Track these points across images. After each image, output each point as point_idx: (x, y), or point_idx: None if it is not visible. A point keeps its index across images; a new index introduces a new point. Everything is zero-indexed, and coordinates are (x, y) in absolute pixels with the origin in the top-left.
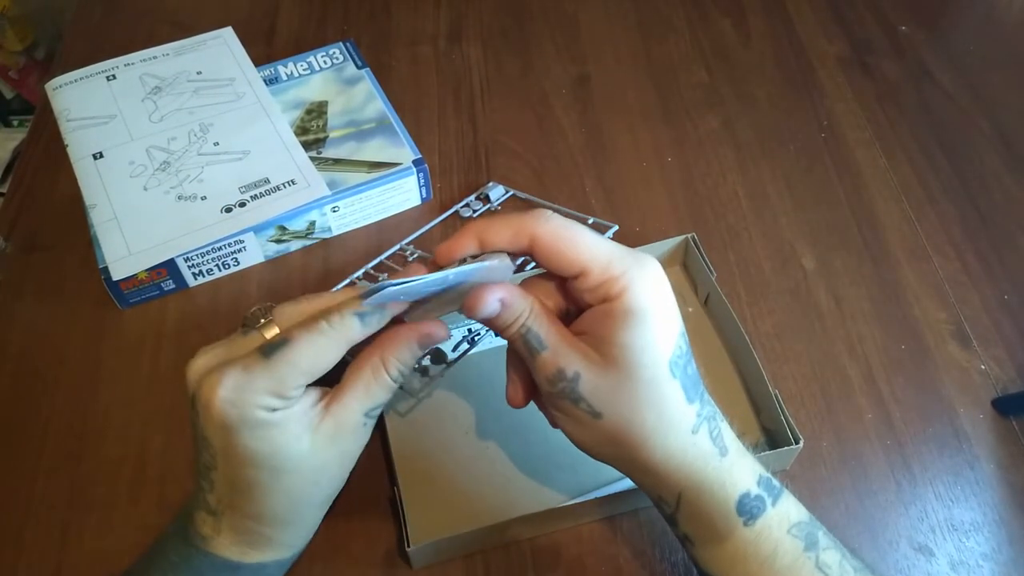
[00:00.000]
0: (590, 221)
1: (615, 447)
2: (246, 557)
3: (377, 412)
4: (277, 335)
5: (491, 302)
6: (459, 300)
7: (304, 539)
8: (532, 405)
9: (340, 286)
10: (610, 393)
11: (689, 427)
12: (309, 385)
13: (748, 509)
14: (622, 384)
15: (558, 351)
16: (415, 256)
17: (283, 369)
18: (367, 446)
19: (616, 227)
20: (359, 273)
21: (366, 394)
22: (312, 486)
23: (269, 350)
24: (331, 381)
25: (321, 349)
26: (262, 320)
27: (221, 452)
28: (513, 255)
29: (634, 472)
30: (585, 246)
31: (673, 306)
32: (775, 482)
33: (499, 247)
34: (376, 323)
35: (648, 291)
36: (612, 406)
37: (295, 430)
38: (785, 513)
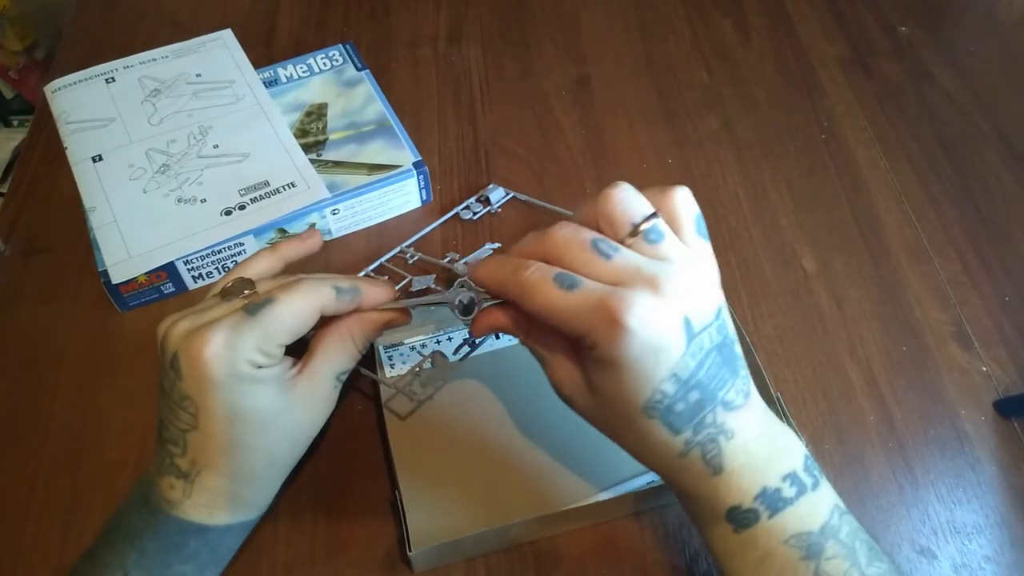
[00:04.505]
0: None
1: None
2: (213, 519)
3: (344, 376)
4: (260, 296)
5: (485, 331)
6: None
7: (268, 500)
8: (529, 407)
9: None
10: (596, 416)
11: (675, 453)
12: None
13: (737, 519)
14: (604, 415)
15: (554, 370)
16: (415, 259)
17: (269, 325)
18: (365, 448)
19: None
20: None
21: (336, 359)
22: (287, 444)
23: (254, 309)
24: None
25: (301, 309)
26: (246, 291)
27: (205, 410)
28: None
29: None
30: (551, 311)
31: (664, 351)
32: (789, 492)
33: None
34: (348, 303)
35: (620, 352)
36: (600, 425)
37: (275, 389)
38: (783, 525)
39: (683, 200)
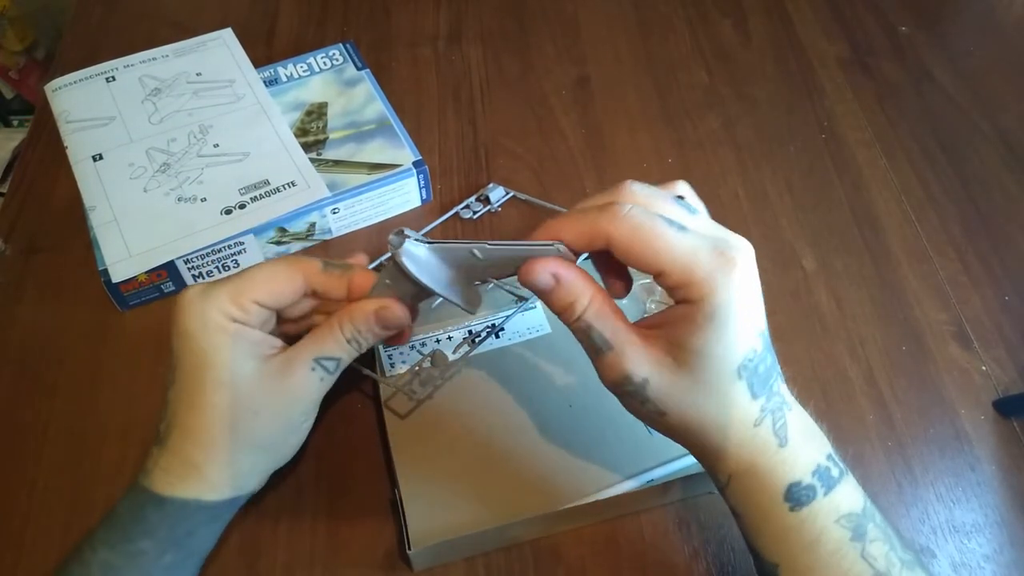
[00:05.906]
0: None
1: (675, 434)
2: (172, 489)
3: (329, 364)
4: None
5: (543, 274)
6: (499, 268)
7: (232, 486)
8: (529, 406)
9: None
10: (677, 396)
11: (751, 421)
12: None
13: (796, 497)
14: (690, 387)
15: (625, 354)
16: None
17: (244, 280)
18: (365, 447)
19: None
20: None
21: (318, 342)
22: (250, 416)
23: (234, 273)
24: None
25: (278, 274)
26: None
27: (180, 360)
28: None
29: (691, 450)
30: (663, 249)
31: (757, 306)
32: (835, 471)
33: (575, 248)
34: (336, 278)
35: (732, 296)
36: (677, 406)
37: (245, 349)
38: (836, 504)
39: (688, 189)
